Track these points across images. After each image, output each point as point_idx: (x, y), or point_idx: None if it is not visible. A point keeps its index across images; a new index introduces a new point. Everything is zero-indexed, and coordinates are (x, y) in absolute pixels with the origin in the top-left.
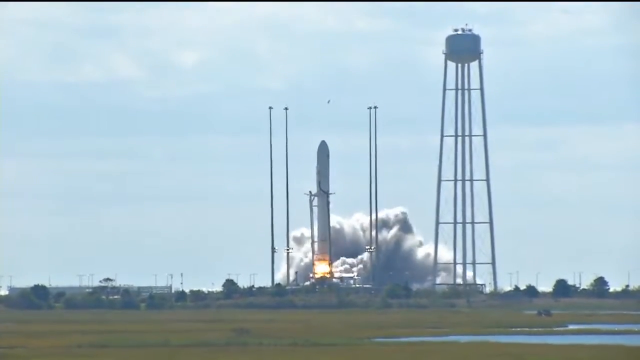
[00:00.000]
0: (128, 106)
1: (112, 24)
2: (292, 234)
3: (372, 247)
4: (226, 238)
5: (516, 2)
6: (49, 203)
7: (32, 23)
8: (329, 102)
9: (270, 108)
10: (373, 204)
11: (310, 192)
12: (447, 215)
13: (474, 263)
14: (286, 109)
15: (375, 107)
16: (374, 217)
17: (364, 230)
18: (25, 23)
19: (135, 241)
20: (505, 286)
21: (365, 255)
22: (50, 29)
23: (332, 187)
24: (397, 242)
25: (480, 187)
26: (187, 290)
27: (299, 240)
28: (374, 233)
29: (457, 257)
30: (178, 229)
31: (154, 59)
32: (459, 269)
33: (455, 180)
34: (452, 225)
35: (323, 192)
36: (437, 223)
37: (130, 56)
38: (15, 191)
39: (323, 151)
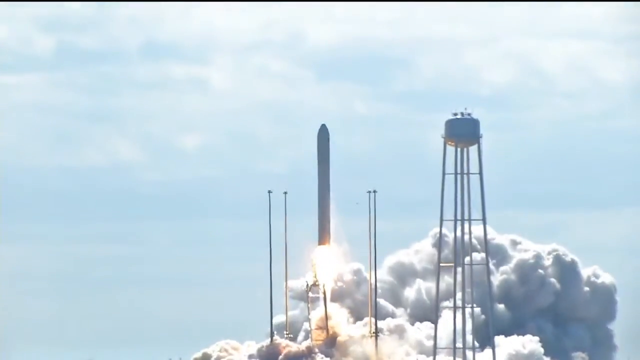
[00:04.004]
0: (129, 190)
1: (113, 107)
2: (290, 319)
3: (372, 333)
4: (226, 323)
5: (516, 86)
6: (49, 288)
7: (34, 107)
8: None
9: (270, 192)
10: (373, 289)
11: (307, 282)
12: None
13: (473, 348)
14: (285, 193)
15: (374, 191)
16: (374, 303)
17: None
18: (27, 107)
19: (135, 325)
20: None
21: None
22: (51, 113)
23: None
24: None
25: (480, 272)
26: None
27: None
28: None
29: (457, 343)
30: (178, 313)
31: (155, 143)
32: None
33: (455, 264)
34: (451, 311)
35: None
36: (437, 308)
37: (131, 140)
38: (16, 276)
39: (323, 135)
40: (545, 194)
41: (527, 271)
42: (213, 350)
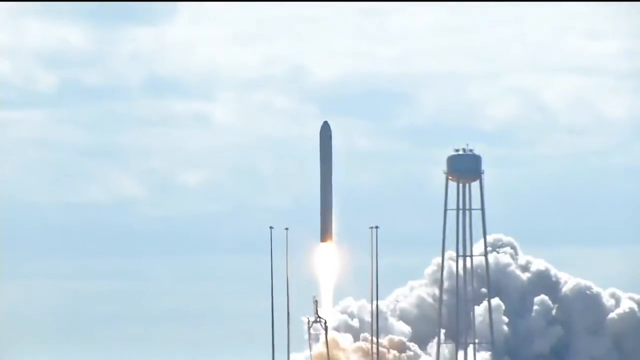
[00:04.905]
0: (131, 226)
1: (115, 143)
2: (292, 356)
3: None
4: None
5: (518, 122)
6: (49, 323)
7: (36, 143)
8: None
9: (271, 228)
10: (374, 324)
11: (308, 318)
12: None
13: None
14: (286, 229)
15: (376, 227)
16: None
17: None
18: (29, 143)
19: None
20: None
21: None
22: (53, 149)
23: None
24: None
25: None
26: None
27: None
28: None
29: None
30: (180, 350)
31: (157, 179)
32: None
33: (458, 299)
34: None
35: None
36: (439, 344)
37: (133, 176)
38: (15, 312)
39: (325, 132)
40: (548, 230)
41: (533, 327)
42: None
